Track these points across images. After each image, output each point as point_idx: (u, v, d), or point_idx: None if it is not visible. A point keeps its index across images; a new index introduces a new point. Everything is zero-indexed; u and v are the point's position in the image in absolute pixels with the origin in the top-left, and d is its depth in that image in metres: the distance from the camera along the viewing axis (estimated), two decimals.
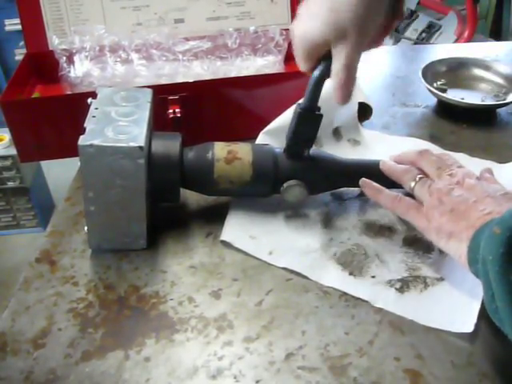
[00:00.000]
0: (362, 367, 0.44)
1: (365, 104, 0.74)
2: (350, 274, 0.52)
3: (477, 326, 0.46)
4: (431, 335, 0.46)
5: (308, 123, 0.55)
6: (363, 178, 0.57)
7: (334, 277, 0.52)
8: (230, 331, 0.47)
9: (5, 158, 1.70)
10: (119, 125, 0.52)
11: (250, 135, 0.69)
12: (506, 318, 0.38)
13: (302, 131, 0.55)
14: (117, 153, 0.49)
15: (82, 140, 0.49)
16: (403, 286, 0.51)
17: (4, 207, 1.82)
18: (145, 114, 0.54)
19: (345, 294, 0.50)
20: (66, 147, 0.71)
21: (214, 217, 0.60)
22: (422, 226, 0.51)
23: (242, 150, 0.57)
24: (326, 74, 0.52)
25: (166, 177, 0.55)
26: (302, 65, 0.54)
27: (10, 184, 1.76)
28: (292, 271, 0.53)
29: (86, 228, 0.53)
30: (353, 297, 0.50)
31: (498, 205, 0.46)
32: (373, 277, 0.52)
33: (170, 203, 0.60)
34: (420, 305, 0.49)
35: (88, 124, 0.52)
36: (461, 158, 0.57)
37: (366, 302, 0.49)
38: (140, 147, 0.49)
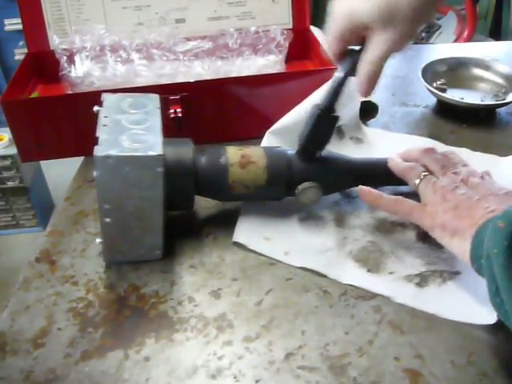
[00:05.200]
0: (362, 367, 0.44)
1: (371, 102, 0.74)
2: (368, 271, 0.52)
3: (477, 326, 0.46)
4: (431, 335, 0.46)
5: (325, 125, 0.55)
6: (360, 186, 0.57)
7: (353, 274, 0.52)
8: (229, 331, 0.47)
9: (4, 157, 1.70)
10: (133, 133, 0.51)
11: (250, 135, 0.69)
12: (511, 310, 0.38)
13: (319, 133, 0.55)
14: (135, 162, 0.48)
15: (99, 151, 0.47)
16: (421, 281, 0.51)
17: (3, 207, 1.82)
18: (156, 120, 0.54)
19: (344, 293, 0.50)
20: (66, 147, 0.71)
21: (214, 217, 0.60)
22: (427, 224, 0.51)
23: (255, 154, 0.56)
24: (349, 74, 0.52)
25: (181, 185, 0.54)
26: (332, 46, 0.53)
27: (10, 184, 1.76)
28: (292, 273, 0.53)
29: (97, 240, 0.52)
30: (352, 296, 0.50)
31: (502, 203, 0.47)
32: (390, 273, 0.52)
33: (184, 211, 0.59)
34: (440, 299, 0.49)
35: (100, 133, 0.50)
36: (463, 152, 0.57)
37: (366, 301, 0.49)
38: (160, 155, 0.48)
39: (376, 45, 0.49)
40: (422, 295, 0.49)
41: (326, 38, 0.54)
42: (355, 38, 0.51)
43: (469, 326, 0.46)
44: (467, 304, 0.48)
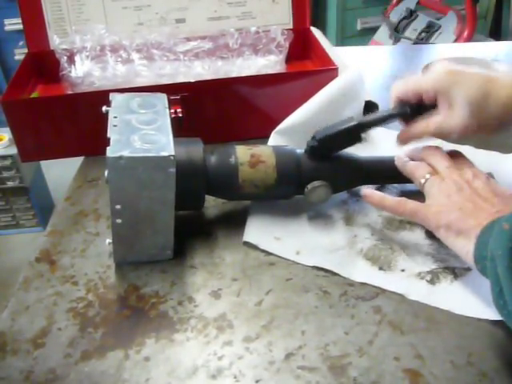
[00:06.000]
0: (362, 367, 0.44)
1: (372, 102, 0.74)
2: (380, 268, 0.53)
3: (477, 326, 0.46)
4: (431, 335, 0.46)
5: (350, 137, 0.56)
6: (364, 190, 0.57)
7: (365, 272, 0.52)
8: (229, 331, 0.47)
9: (4, 157, 1.70)
10: (144, 133, 0.50)
11: (250, 135, 0.69)
12: None
13: (341, 140, 0.56)
14: (148, 163, 0.48)
15: (111, 152, 0.47)
16: (433, 277, 0.51)
17: (3, 207, 1.82)
18: (166, 120, 0.53)
19: (344, 293, 0.50)
20: (66, 147, 0.71)
21: (214, 217, 0.61)
22: (432, 224, 0.51)
23: (265, 153, 0.56)
24: (398, 116, 0.55)
25: (192, 184, 0.54)
26: (404, 90, 0.56)
27: (10, 184, 1.76)
28: (292, 273, 0.53)
29: (107, 241, 0.52)
30: (352, 297, 0.50)
31: (506, 204, 0.47)
32: (402, 270, 0.52)
33: (194, 211, 0.59)
34: (453, 295, 0.49)
35: (111, 134, 0.50)
36: (466, 150, 0.58)
37: (366, 301, 0.49)
38: (172, 156, 0.48)
39: (448, 118, 0.51)
40: (435, 292, 0.50)
41: (407, 79, 0.57)
42: (420, 99, 0.54)
43: (469, 326, 0.46)
44: (480, 300, 0.48)
